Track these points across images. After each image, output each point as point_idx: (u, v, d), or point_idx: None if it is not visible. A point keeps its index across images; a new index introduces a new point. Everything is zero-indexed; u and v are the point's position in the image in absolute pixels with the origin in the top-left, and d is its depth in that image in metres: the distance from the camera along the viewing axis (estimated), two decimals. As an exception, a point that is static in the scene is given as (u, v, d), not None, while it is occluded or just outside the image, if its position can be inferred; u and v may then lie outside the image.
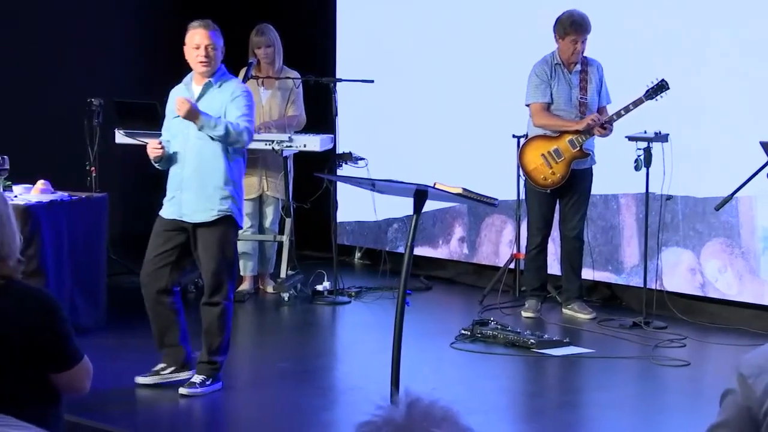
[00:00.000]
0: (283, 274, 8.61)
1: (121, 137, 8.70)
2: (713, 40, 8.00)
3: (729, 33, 7.94)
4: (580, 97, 7.96)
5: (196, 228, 6.14)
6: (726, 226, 8.05)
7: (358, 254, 10.18)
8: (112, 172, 9.05)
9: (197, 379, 6.16)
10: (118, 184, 9.23)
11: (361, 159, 8.61)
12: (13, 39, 9.45)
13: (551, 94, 7.96)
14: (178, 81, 6.35)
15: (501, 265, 8.79)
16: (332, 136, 8.66)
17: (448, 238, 9.55)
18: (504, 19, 9.00)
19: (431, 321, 8.08)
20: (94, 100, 8.70)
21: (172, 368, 6.25)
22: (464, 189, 5.07)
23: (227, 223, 6.16)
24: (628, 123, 7.82)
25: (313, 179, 8.04)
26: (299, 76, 8.69)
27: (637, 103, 7.73)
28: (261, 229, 8.70)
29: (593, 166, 8.08)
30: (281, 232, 8.72)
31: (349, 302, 8.56)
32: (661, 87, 7.72)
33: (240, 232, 6.76)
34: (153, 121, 8.14)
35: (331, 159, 8.68)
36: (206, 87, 6.18)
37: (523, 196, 8.38)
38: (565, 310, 8.21)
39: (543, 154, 7.95)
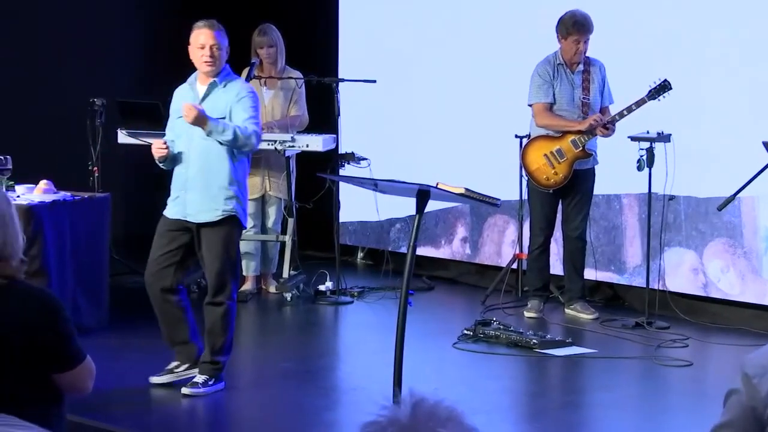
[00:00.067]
0: (285, 274, 8.61)
1: (123, 137, 8.70)
2: (716, 40, 8.00)
3: (731, 33, 7.94)
4: (583, 98, 7.96)
5: (200, 228, 6.13)
6: (728, 227, 8.05)
7: (360, 254, 10.18)
8: (115, 172, 9.06)
9: (200, 379, 6.16)
10: (120, 184, 9.24)
11: (364, 159, 8.61)
12: (16, 39, 9.46)
13: (554, 95, 7.95)
14: (181, 81, 6.35)
15: (503, 265, 8.79)
16: (335, 136, 8.66)
17: (450, 238, 9.55)
18: (506, 19, 9.00)
19: (434, 321, 8.08)
20: (97, 100, 8.70)
21: (186, 365, 6.25)
22: (467, 189, 5.07)
23: (232, 223, 6.16)
24: (630, 123, 7.82)
25: (316, 179, 8.04)
26: (302, 76, 8.69)
27: (639, 104, 7.72)
28: (263, 229, 8.70)
29: (596, 167, 8.07)
30: (284, 232, 8.72)
31: (352, 302, 8.56)
32: (663, 87, 7.71)
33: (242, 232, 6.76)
34: (155, 121, 8.15)
35: (333, 159, 8.68)
36: (211, 87, 6.18)
37: (525, 196, 8.37)
38: (567, 311, 8.21)
39: (545, 155, 7.95)
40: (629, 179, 8.08)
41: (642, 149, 7.74)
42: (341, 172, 8.66)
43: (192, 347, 6.25)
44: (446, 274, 9.46)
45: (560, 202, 8.10)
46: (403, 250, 9.18)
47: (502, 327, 7.46)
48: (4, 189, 6.85)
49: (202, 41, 6.12)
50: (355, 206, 9.34)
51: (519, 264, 8.61)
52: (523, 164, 8.11)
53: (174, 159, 6.17)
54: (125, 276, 8.79)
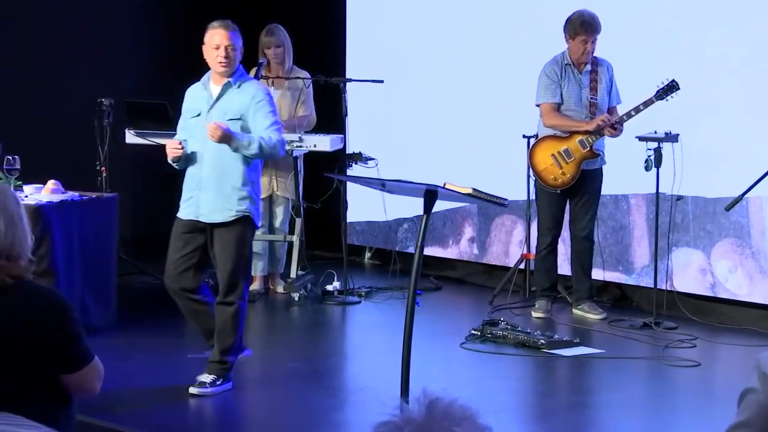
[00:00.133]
0: (293, 274, 8.61)
1: (131, 137, 8.71)
2: (724, 40, 7.98)
3: (739, 33, 7.93)
4: (590, 98, 7.95)
5: (214, 228, 6.13)
6: (736, 227, 8.04)
7: (368, 254, 10.18)
8: (123, 172, 9.07)
9: (207, 378, 6.15)
10: (128, 184, 9.24)
11: (371, 159, 8.61)
12: (21, 39, 9.47)
13: (561, 95, 7.95)
14: (189, 81, 6.34)
15: (511, 265, 8.78)
16: (342, 136, 8.66)
17: (458, 238, 9.54)
18: (514, 19, 8.99)
19: (441, 321, 8.08)
20: (105, 100, 8.71)
21: None
22: (474, 189, 5.07)
23: (245, 224, 6.15)
24: (638, 123, 7.81)
25: (323, 179, 8.04)
26: (309, 76, 8.69)
27: (647, 104, 7.72)
28: (271, 229, 8.70)
29: (603, 167, 8.07)
30: (291, 232, 8.72)
31: (359, 302, 8.56)
32: (671, 87, 7.70)
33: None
34: (163, 121, 8.16)
35: (341, 159, 8.67)
36: (225, 87, 6.16)
37: (533, 196, 8.37)
38: (575, 311, 8.21)
39: (553, 155, 7.95)
40: (637, 179, 8.08)
41: (650, 149, 7.73)
42: (349, 172, 8.66)
43: None
44: (454, 274, 9.46)
45: (568, 202, 8.09)
46: (411, 250, 9.19)
47: (509, 327, 7.45)
48: (12, 189, 6.85)
49: (217, 42, 6.11)
50: (363, 206, 9.34)
51: (527, 264, 8.61)
52: (531, 164, 8.11)
53: (187, 159, 6.16)
54: (133, 276, 8.80)
